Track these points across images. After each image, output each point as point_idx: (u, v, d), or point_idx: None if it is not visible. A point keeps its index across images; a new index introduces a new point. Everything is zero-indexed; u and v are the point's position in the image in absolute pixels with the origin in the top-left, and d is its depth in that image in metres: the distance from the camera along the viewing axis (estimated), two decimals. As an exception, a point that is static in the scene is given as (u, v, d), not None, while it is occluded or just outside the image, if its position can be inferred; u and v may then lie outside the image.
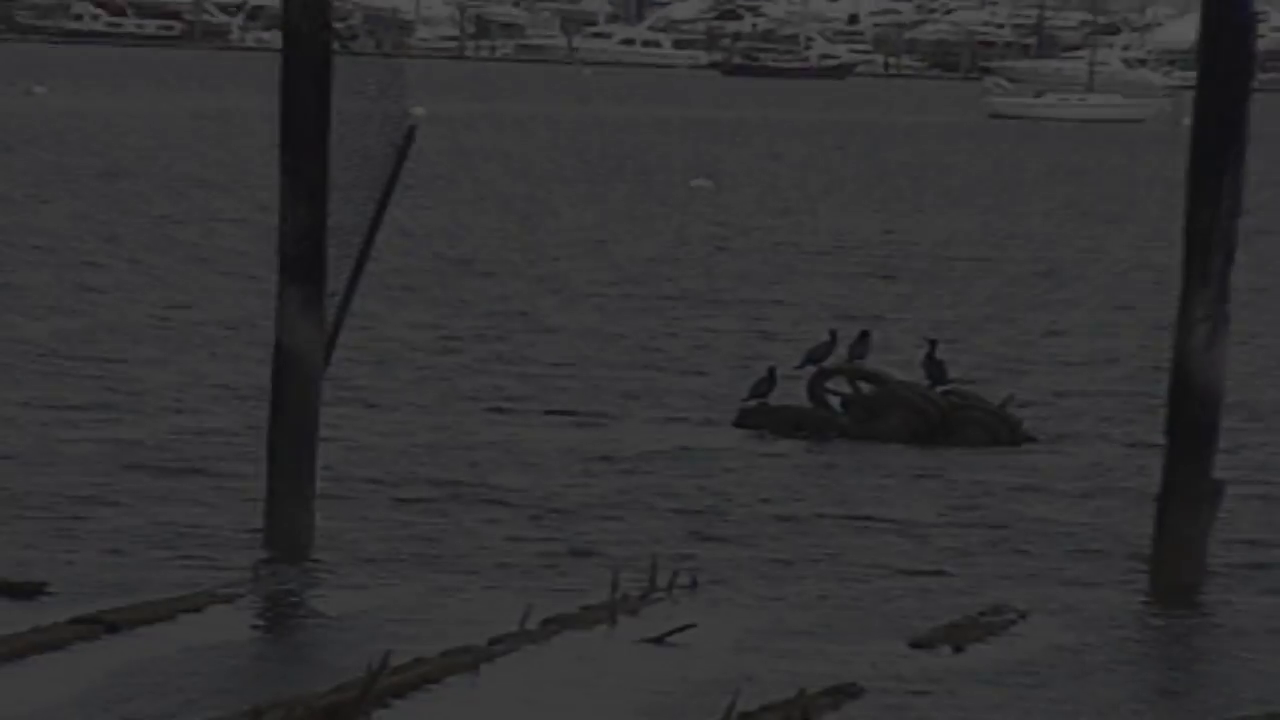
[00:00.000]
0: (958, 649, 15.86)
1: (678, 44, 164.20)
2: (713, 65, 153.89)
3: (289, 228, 17.92)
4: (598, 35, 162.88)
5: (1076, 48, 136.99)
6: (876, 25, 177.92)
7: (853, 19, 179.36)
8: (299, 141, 18.18)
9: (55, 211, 50.22)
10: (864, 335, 26.52)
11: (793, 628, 16.62)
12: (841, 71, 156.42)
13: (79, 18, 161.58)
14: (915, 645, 15.87)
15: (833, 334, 26.46)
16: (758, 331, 33.34)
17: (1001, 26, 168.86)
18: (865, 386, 25.66)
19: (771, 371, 25.99)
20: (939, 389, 25.46)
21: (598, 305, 37.43)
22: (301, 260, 17.48)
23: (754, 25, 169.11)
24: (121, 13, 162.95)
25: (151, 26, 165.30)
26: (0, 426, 24.68)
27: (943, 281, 40.85)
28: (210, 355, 29.88)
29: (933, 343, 26.93)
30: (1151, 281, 31.41)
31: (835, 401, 25.59)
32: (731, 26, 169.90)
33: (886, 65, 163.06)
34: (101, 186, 57.53)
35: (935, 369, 26.00)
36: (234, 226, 47.24)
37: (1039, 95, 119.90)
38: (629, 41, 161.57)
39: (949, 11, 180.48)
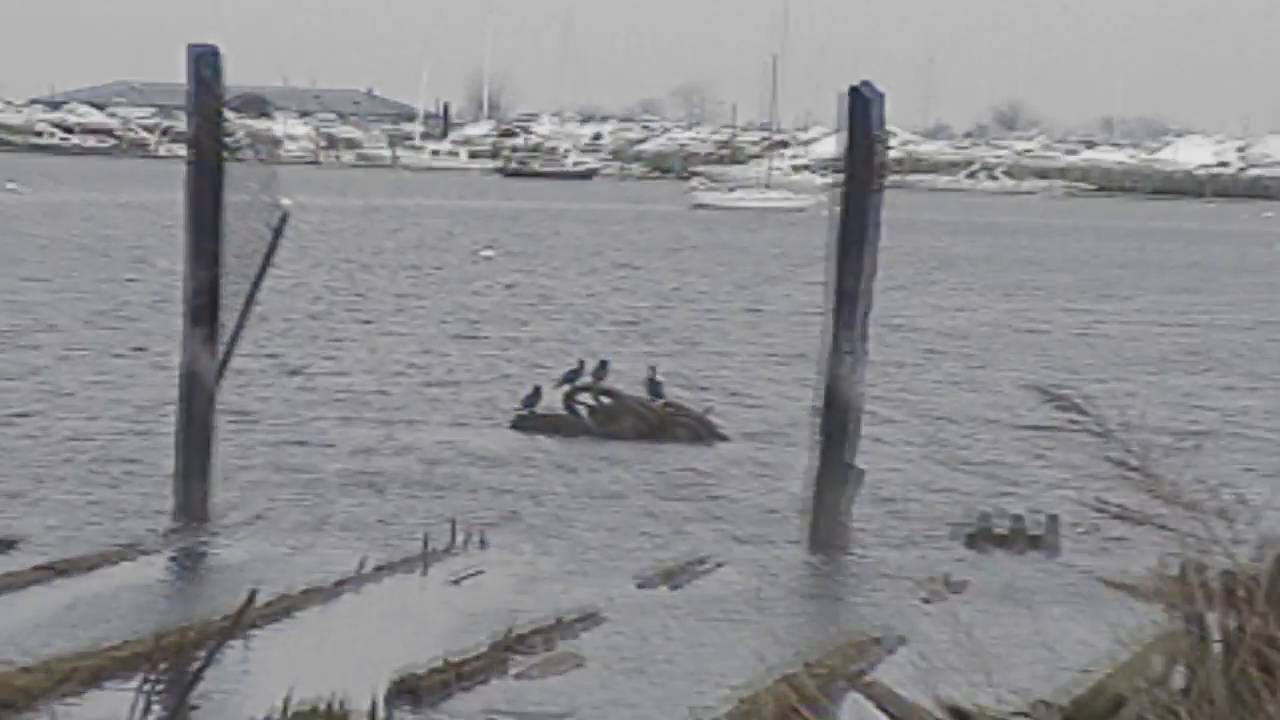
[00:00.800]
0: (673, 588, 15.98)
1: (472, 155, 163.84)
2: (497, 170, 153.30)
3: (192, 285, 18.24)
4: (414, 148, 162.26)
5: (758, 156, 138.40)
6: (614, 141, 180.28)
7: (597, 136, 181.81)
8: (200, 224, 18.46)
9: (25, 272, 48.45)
10: (603, 364, 26.28)
11: (553, 574, 16.53)
12: (589, 174, 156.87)
13: (40, 134, 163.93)
14: (641, 585, 15.91)
15: (581, 362, 26.25)
16: (527, 359, 32.74)
17: (704, 142, 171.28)
18: (605, 399, 25.35)
19: (537, 389, 25.62)
20: (657, 401, 25.22)
21: (404, 340, 36.48)
22: (202, 309, 17.81)
23: (526, 140, 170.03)
24: (71, 132, 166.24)
25: (93, 140, 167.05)
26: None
27: (645, 324, 40.34)
28: (128, 377, 28.65)
29: (653, 369, 26.65)
30: (804, 324, 31.24)
31: (583, 410, 25.25)
32: (510, 141, 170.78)
33: (620, 170, 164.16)
34: (65, 252, 55.69)
35: (654, 387, 25.69)
36: (146, 283, 45.47)
37: (731, 191, 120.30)
38: (436, 153, 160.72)
39: (665, 130, 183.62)
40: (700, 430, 24.69)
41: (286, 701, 10.62)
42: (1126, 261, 72.08)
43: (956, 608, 14.01)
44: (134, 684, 10.36)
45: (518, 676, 12.83)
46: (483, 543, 17.38)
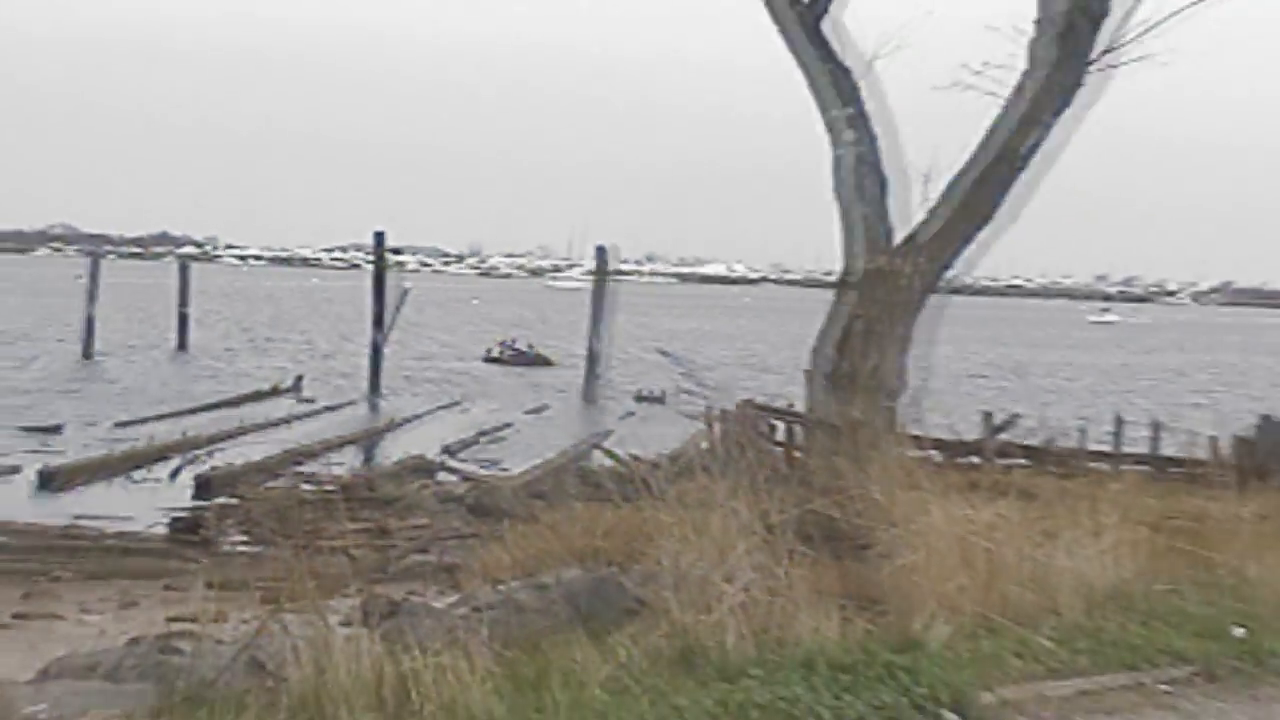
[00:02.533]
0: (532, 413, 40.74)
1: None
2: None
3: (375, 311, 42.82)
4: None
5: (574, 266, 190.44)
6: (529, 261, 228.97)
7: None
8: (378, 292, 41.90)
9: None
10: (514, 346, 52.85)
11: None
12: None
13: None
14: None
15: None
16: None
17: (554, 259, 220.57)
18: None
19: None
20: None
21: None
22: (378, 321, 46.58)
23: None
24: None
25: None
26: None
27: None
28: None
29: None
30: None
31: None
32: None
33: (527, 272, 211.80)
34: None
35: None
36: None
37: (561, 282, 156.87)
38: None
39: (542, 255, 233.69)
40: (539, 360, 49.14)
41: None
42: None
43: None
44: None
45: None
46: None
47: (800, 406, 11.44)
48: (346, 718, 6.37)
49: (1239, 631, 8.27)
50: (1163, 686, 7.75)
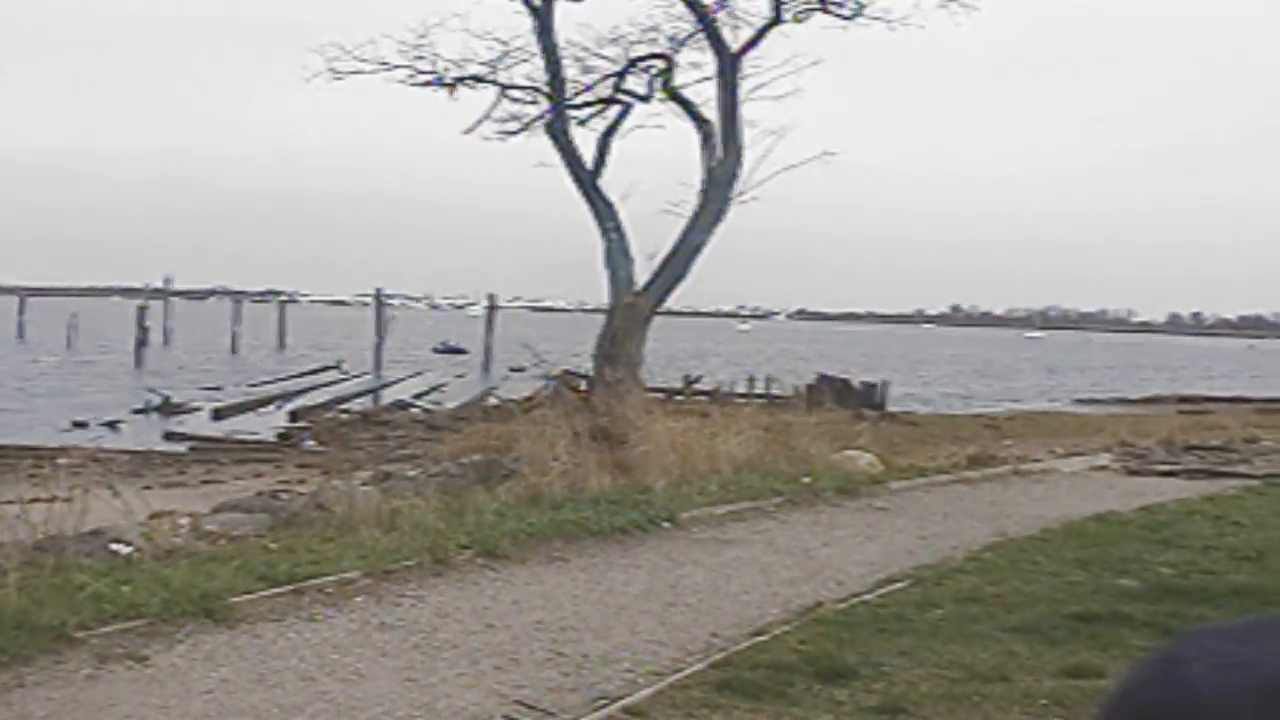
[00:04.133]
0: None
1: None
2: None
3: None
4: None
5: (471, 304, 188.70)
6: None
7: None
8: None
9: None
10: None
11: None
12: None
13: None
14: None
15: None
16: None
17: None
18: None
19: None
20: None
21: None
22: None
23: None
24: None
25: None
26: None
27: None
28: None
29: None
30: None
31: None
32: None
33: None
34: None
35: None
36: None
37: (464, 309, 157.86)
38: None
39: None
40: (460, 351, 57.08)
41: None
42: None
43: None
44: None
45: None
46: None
47: (591, 373, 15.32)
48: (364, 529, 9.89)
49: (806, 479, 12.09)
50: (769, 507, 11.42)
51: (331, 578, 8.07)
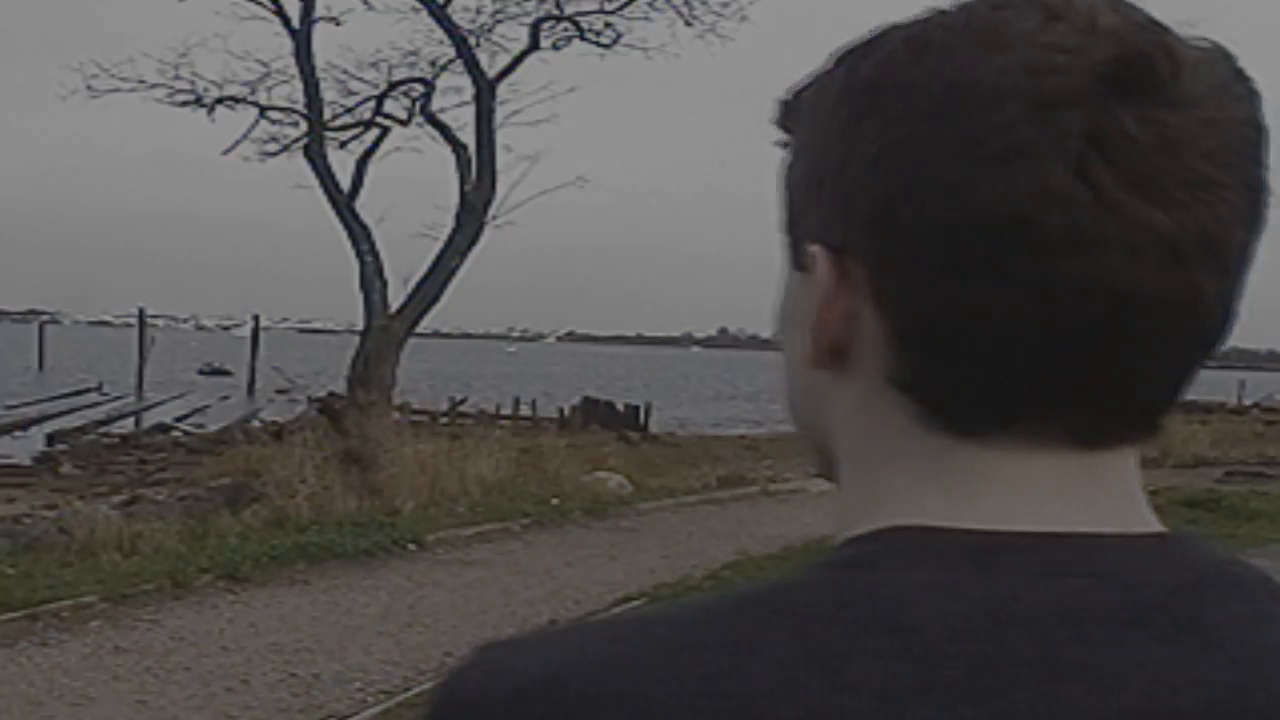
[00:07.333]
0: None
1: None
2: None
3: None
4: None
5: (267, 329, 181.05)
6: None
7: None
8: None
9: None
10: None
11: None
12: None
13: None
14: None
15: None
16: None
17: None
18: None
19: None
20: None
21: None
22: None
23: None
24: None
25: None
26: None
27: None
28: None
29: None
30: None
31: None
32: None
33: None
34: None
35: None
36: None
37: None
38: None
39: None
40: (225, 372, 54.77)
41: None
42: None
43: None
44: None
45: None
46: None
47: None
48: (104, 554, 9.73)
49: (555, 501, 12.51)
50: (516, 528, 11.78)
51: (68, 602, 8.11)
